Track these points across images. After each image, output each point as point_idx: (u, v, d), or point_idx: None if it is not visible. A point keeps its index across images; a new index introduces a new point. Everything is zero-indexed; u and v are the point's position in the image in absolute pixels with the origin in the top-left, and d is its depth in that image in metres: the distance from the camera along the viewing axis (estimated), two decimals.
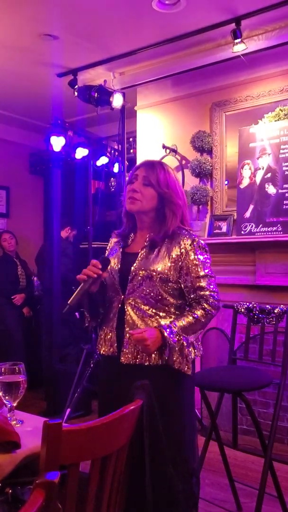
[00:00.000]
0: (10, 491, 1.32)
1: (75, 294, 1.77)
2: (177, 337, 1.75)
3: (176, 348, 1.75)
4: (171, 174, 1.94)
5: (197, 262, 1.83)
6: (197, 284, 1.81)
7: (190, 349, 1.79)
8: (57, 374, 4.34)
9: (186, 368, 1.78)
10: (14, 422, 1.54)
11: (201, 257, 1.84)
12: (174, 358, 1.76)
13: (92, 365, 3.85)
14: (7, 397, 1.54)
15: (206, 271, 1.84)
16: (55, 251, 4.44)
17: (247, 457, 3.34)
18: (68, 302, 1.76)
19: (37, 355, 4.79)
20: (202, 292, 1.82)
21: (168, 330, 1.74)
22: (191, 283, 1.82)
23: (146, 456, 1.42)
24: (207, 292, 1.82)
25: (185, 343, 1.76)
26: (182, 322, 1.78)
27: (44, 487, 0.93)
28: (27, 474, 1.33)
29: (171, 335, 1.74)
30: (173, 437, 1.76)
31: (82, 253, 4.83)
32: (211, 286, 1.83)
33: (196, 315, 1.80)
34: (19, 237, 5.26)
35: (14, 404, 1.56)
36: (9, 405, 1.55)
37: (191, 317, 1.80)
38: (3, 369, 1.56)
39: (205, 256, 1.87)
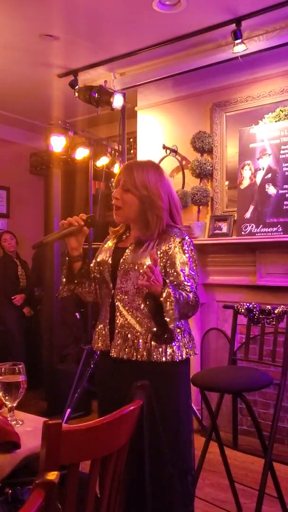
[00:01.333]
0: (10, 491, 1.31)
1: (52, 234, 1.89)
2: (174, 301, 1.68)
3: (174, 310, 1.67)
4: (150, 174, 1.86)
5: (183, 261, 1.81)
6: (181, 282, 1.79)
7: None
8: (57, 374, 4.34)
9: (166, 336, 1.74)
10: (14, 422, 1.54)
11: (188, 256, 1.83)
12: (172, 316, 1.67)
13: (92, 365, 3.85)
14: (7, 397, 1.54)
15: (191, 271, 1.82)
16: (55, 251, 4.44)
17: (247, 458, 3.34)
18: (42, 238, 1.85)
19: (37, 355, 4.79)
20: (186, 289, 1.78)
21: (171, 284, 1.70)
22: (174, 280, 1.79)
23: (146, 456, 1.42)
24: (190, 291, 1.78)
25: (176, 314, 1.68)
26: (179, 294, 1.71)
27: (43, 487, 0.93)
28: (27, 474, 1.33)
29: (173, 290, 1.68)
30: (169, 436, 1.76)
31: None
32: (194, 289, 1.80)
33: (189, 297, 1.75)
34: (19, 237, 5.26)
35: (14, 404, 1.56)
36: (9, 405, 1.55)
37: (184, 294, 1.74)
38: (3, 369, 1.56)
39: (192, 256, 1.85)
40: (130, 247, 1.88)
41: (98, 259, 1.96)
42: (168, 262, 1.81)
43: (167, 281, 1.69)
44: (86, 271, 1.95)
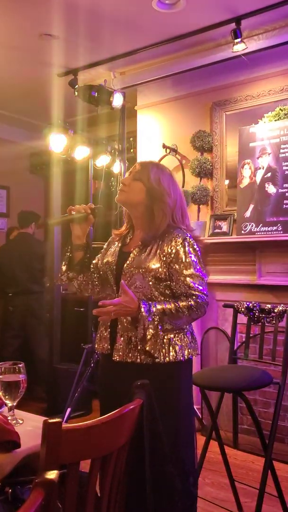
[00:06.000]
0: (10, 490, 1.32)
1: (58, 217, 1.94)
2: (153, 317, 1.73)
3: (151, 330, 1.72)
4: (165, 174, 1.93)
5: (187, 261, 1.81)
6: (186, 283, 1.79)
7: (168, 336, 1.80)
8: (58, 373, 4.34)
9: (159, 354, 1.77)
10: (14, 421, 1.54)
11: (191, 256, 1.83)
12: (148, 338, 1.73)
13: (92, 365, 3.85)
14: (7, 397, 1.54)
15: (196, 270, 1.82)
16: (55, 250, 4.44)
17: (247, 457, 3.35)
18: (47, 219, 1.92)
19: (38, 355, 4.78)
20: (190, 291, 1.79)
21: (145, 307, 1.72)
22: (180, 282, 1.80)
23: (146, 455, 1.42)
24: (195, 292, 1.79)
25: (159, 327, 1.74)
26: (163, 306, 1.76)
27: (43, 486, 0.93)
28: (27, 474, 1.33)
29: (147, 313, 1.72)
30: (168, 436, 1.75)
31: None
32: (200, 287, 1.80)
33: (178, 305, 1.77)
34: None
35: (14, 404, 1.56)
36: (9, 405, 1.55)
37: (173, 305, 1.77)
38: (3, 368, 1.56)
39: (196, 255, 1.85)
40: (134, 251, 1.89)
41: (104, 261, 1.97)
42: (172, 263, 1.82)
43: (141, 304, 1.72)
44: (87, 263, 1.99)
